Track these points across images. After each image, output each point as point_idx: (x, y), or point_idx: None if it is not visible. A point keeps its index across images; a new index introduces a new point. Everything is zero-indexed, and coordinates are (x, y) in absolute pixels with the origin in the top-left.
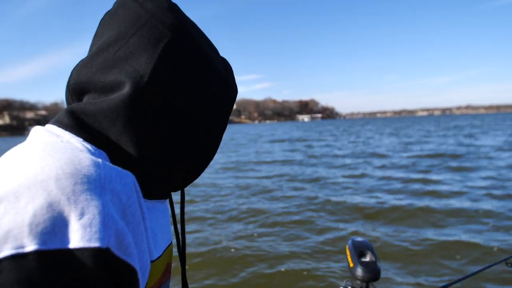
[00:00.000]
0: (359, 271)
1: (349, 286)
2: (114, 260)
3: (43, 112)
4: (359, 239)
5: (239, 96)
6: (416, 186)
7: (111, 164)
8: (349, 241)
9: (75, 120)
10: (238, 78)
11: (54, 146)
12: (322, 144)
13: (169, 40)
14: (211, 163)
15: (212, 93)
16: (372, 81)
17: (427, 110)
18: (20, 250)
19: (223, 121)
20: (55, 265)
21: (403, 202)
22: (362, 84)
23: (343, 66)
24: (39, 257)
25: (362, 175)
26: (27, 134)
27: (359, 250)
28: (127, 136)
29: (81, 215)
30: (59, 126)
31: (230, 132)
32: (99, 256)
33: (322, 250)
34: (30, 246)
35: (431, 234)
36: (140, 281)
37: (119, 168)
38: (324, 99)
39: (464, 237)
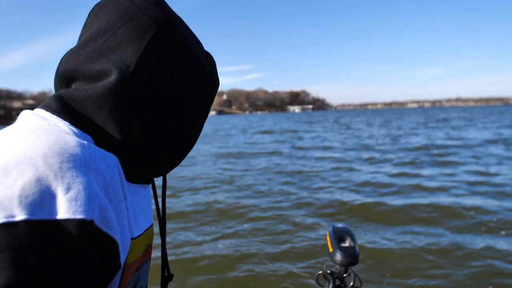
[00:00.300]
0: (338, 256)
1: (328, 270)
2: (98, 233)
3: (30, 102)
4: (339, 225)
5: (230, 86)
6: (402, 181)
7: (95, 146)
8: (330, 228)
9: (63, 105)
10: (228, 69)
11: (41, 128)
12: (311, 136)
13: (155, 32)
14: (200, 155)
15: (195, 84)
16: (364, 73)
17: (417, 102)
18: (11, 219)
19: (205, 111)
20: (43, 234)
21: (388, 198)
22: (354, 76)
23: (335, 57)
24: (28, 226)
25: (350, 169)
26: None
27: (339, 236)
28: (112, 122)
29: (67, 189)
30: (47, 110)
31: (220, 123)
32: (84, 227)
33: (304, 248)
34: (20, 216)
35: (416, 230)
36: (120, 254)
37: (103, 150)
38: (315, 90)
39: (448, 235)
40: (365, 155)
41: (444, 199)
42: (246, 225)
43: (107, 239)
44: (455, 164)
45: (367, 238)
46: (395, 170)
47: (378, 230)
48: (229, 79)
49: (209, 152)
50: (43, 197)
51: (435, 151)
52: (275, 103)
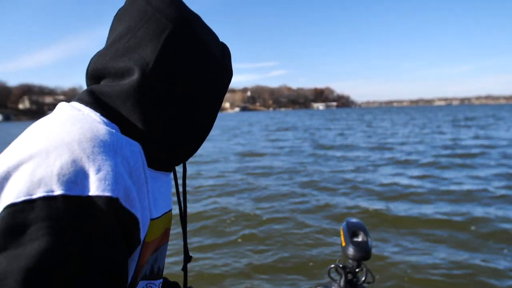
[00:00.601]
0: (351, 250)
1: (341, 265)
2: (122, 209)
3: (61, 97)
4: (353, 220)
5: (254, 83)
6: (426, 183)
7: (122, 134)
8: (344, 223)
9: (94, 98)
10: (253, 65)
11: (76, 117)
12: (334, 133)
13: (171, 31)
14: (222, 153)
15: (210, 79)
16: (389, 70)
17: (445, 99)
18: (50, 193)
19: (219, 103)
20: (77, 207)
21: (407, 204)
22: (379, 73)
23: (360, 54)
24: (64, 200)
25: (371, 170)
26: None
27: (352, 231)
28: (135, 114)
29: (98, 170)
30: (81, 103)
31: (242, 120)
32: (110, 203)
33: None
34: (58, 191)
35: (437, 233)
36: (141, 231)
37: (129, 138)
38: (340, 87)
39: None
40: (387, 154)
41: (473, 209)
42: (261, 227)
43: (130, 216)
44: (485, 166)
45: (383, 245)
46: (418, 172)
47: (396, 237)
48: (253, 76)
49: (230, 149)
50: (77, 176)
51: (460, 151)
52: (299, 100)
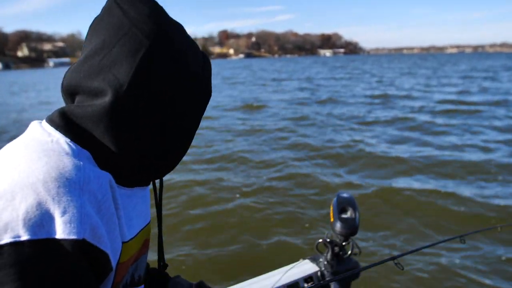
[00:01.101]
0: (338, 226)
1: (328, 239)
2: (89, 247)
3: (60, 44)
4: (344, 195)
5: (259, 28)
6: (423, 136)
7: (91, 166)
8: (335, 198)
9: (65, 121)
10: (257, 9)
11: (43, 147)
12: (341, 84)
13: (147, 49)
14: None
15: (189, 96)
16: (399, 15)
17: (458, 47)
18: (18, 239)
19: (198, 119)
20: (43, 250)
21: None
22: (388, 18)
23: None
24: (31, 244)
25: (373, 122)
26: (47, 67)
27: (341, 207)
28: (108, 137)
29: (63, 213)
30: (52, 125)
31: (244, 66)
32: (76, 245)
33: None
34: (25, 236)
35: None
36: (111, 260)
37: (97, 169)
38: (348, 33)
39: (463, 189)
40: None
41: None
42: (250, 198)
43: (98, 251)
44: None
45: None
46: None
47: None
48: (258, 20)
49: (223, 102)
50: (43, 219)
51: (465, 107)
52: (305, 46)
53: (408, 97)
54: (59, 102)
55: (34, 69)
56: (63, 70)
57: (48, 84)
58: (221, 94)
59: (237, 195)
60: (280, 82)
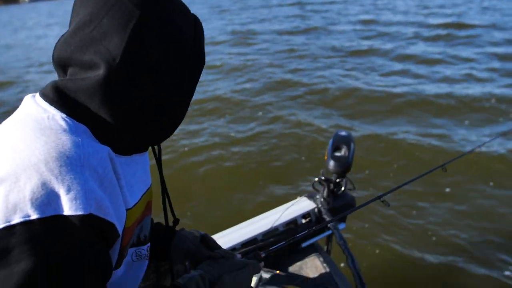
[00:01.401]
0: (331, 165)
1: (323, 177)
2: (96, 220)
3: None
4: (342, 133)
5: None
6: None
7: (89, 142)
8: (333, 135)
9: (59, 96)
10: None
11: (41, 126)
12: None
13: (137, 19)
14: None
15: (182, 65)
16: None
17: None
18: (27, 218)
19: (192, 87)
20: (53, 227)
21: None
22: None
23: None
24: (40, 222)
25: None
26: (22, 2)
27: (336, 145)
28: (103, 110)
29: (68, 190)
30: (46, 100)
31: None
32: (84, 220)
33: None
34: (34, 215)
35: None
36: (118, 228)
37: (96, 144)
38: None
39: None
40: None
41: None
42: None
43: (105, 223)
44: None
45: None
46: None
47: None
48: None
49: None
50: (49, 197)
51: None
52: None
53: (401, 23)
54: (38, 44)
55: (8, 5)
56: (39, 6)
57: (24, 21)
58: (210, 26)
59: (230, 140)
60: (271, 8)
